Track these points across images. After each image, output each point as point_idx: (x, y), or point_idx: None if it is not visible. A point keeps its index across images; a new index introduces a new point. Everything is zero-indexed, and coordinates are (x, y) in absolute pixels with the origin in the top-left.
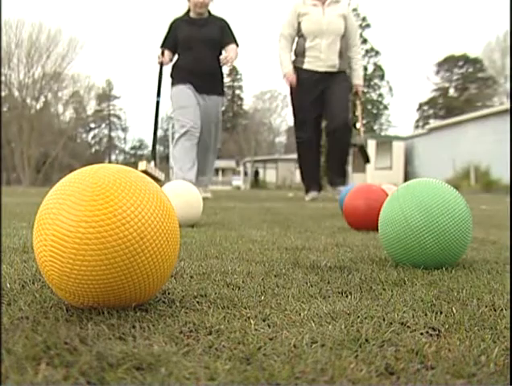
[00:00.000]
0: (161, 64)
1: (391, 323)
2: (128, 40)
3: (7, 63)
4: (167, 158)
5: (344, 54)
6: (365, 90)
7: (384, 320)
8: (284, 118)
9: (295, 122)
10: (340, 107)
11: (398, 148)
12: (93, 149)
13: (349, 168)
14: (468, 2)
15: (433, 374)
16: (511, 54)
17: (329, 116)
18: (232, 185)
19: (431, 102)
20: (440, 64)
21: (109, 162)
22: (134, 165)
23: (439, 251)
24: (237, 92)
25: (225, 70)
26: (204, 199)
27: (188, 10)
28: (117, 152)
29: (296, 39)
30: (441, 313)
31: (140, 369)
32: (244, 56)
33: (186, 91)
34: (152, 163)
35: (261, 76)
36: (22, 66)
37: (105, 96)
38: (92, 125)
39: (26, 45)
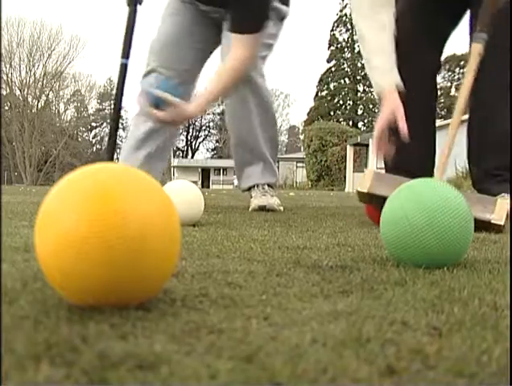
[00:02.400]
0: None
1: (393, 323)
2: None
3: (9, 62)
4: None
5: None
6: (366, 89)
7: (385, 320)
8: (285, 117)
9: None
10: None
11: None
12: (94, 148)
13: (349, 168)
14: None
15: (434, 373)
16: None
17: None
18: (234, 184)
19: None
20: (442, 64)
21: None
22: None
23: (441, 250)
24: None
25: None
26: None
27: None
28: (118, 151)
29: None
30: (442, 312)
31: (141, 368)
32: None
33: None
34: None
35: None
36: (23, 65)
37: (107, 95)
38: (94, 124)
39: (27, 44)
